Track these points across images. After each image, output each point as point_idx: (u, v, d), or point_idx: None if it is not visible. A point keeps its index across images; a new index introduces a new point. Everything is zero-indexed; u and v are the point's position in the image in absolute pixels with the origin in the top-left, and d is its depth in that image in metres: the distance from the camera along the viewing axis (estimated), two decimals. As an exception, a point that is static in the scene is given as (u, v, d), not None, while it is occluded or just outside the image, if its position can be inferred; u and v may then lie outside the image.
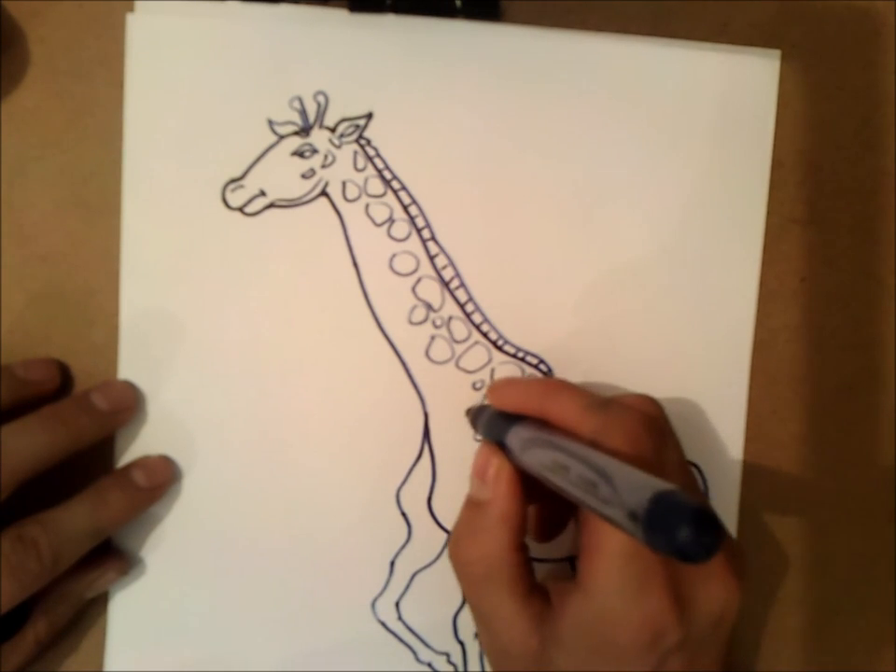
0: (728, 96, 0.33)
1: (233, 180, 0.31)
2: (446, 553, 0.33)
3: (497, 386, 0.31)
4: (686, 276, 0.33)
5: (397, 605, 0.33)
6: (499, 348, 0.33)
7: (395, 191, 0.32)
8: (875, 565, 0.36)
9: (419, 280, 0.32)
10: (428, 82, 0.32)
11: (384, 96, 0.31)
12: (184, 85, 0.31)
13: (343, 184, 0.32)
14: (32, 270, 0.31)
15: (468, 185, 0.32)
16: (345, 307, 0.32)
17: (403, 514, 0.33)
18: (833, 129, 0.34)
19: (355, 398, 0.32)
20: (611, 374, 0.33)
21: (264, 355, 0.32)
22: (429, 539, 0.33)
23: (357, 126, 0.32)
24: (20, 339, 0.32)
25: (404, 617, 0.33)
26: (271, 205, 0.32)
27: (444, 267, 0.32)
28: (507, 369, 0.33)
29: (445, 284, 0.32)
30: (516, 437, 0.27)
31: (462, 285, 0.32)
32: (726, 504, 0.34)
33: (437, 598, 0.34)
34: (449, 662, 0.34)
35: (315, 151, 0.32)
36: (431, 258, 0.32)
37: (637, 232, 0.33)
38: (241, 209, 0.31)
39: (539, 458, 0.25)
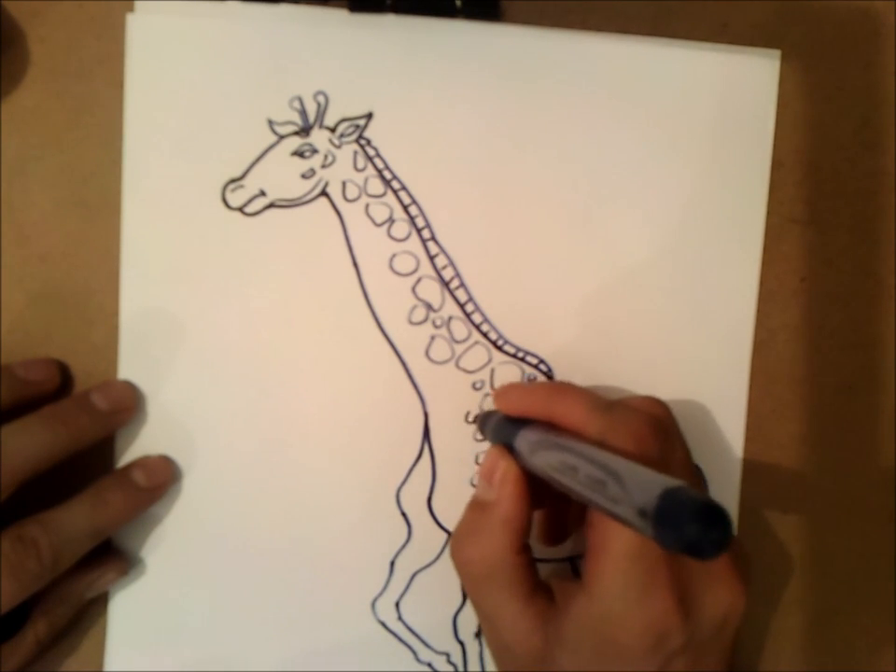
0: (728, 96, 0.33)
1: (233, 180, 0.31)
2: (446, 552, 0.33)
3: (503, 392, 0.31)
4: (686, 276, 0.33)
5: (397, 605, 0.33)
6: (499, 348, 0.33)
7: (395, 191, 0.32)
8: (875, 565, 0.36)
9: (419, 280, 0.32)
10: (428, 82, 0.32)
11: (384, 96, 0.31)
12: (184, 85, 0.31)
13: (343, 184, 0.32)
14: (32, 270, 0.31)
15: (468, 185, 0.32)
16: (345, 307, 0.32)
17: (403, 514, 0.33)
18: (833, 129, 0.34)
19: (355, 398, 0.32)
20: (611, 374, 0.33)
21: (264, 355, 0.32)
22: (429, 539, 0.33)
23: (357, 126, 0.32)
24: (20, 339, 0.32)
25: (404, 617, 0.33)
26: (271, 205, 0.32)
27: (444, 267, 0.32)
28: (507, 369, 0.33)
29: (445, 284, 0.32)
30: (524, 440, 0.28)
31: (462, 285, 0.32)
32: (726, 504, 0.34)
33: (437, 598, 0.34)
34: (449, 662, 0.34)
35: (315, 151, 0.32)
36: (431, 258, 0.32)
37: (637, 232, 0.33)
38: (241, 209, 0.31)
39: (548, 460, 0.26)
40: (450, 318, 0.32)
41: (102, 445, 0.31)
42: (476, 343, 0.33)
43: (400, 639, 0.33)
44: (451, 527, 0.33)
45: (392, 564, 0.33)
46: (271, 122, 0.31)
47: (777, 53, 0.33)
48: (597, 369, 0.33)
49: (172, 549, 0.32)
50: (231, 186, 0.31)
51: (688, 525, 0.19)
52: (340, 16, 0.31)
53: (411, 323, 0.32)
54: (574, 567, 0.34)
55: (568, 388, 0.29)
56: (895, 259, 0.35)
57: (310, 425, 0.32)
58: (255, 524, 0.32)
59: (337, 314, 0.32)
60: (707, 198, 0.33)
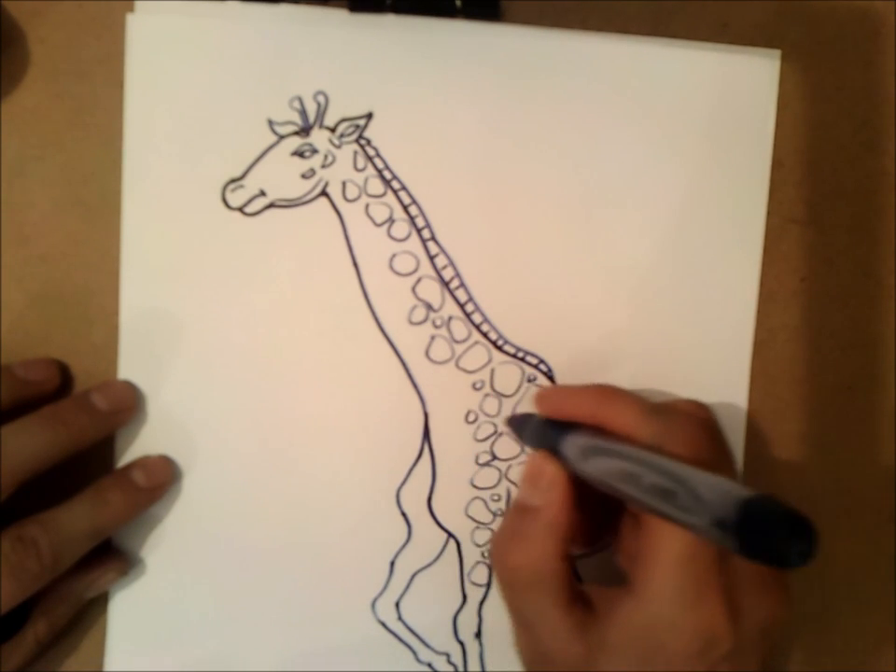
0: (728, 96, 0.33)
1: (233, 180, 0.31)
2: (446, 552, 0.33)
3: (545, 394, 0.31)
4: (686, 276, 0.33)
5: (397, 605, 0.33)
6: (499, 348, 0.33)
7: (395, 191, 0.32)
8: (875, 565, 0.36)
9: (419, 280, 0.32)
10: (428, 82, 0.32)
11: (384, 96, 0.31)
12: (184, 85, 0.31)
13: (343, 184, 0.32)
14: (32, 270, 0.31)
15: (468, 185, 0.32)
16: (345, 307, 0.32)
17: (403, 514, 0.33)
18: (833, 129, 0.34)
19: (355, 397, 0.32)
20: (611, 374, 0.33)
21: (264, 355, 0.32)
22: (429, 539, 0.33)
23: (357, 126, 0.32)
24: (20, 339, 0.32)
25: (404, 617, 0.33)
26: (271, 205, 0.32)
27: (444, 267, 0.32)
28: (507, 369, 0.33)
29: (445, 284, 0.32)
30: (573, 445, 0.27)
31: (462, 285, 0.32)
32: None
33: (437, 598, 0.34)
34: (449, 662, 0.34)
35: (315, 151, 0.32)
36: (431, 258, 0.32)
37: (638, 232, 0.33)
38: (241, 209, 0.31)
39: (605, 467, 0.25)
40: (450, 318, 0.32)
41: (102, 445, 0.31)
42: (476, 343, 0.33)
43: (400, 639, 0.33)
44: (451, 527, 0.33)
45: (392, 564, 0.33)
46: (271, 122, 0.31)
47: (777, 53, 0.33)
48: (597, 369, 0.33)
49: (172, 549, 0.32)
50: (231, 186, 0.31)
51: (775, 535, 0.19)
52: (340, 16, 0.31)
53: (411, 323, 0.32)
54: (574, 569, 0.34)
55: (617, 391, 0.29)
56: (895, 259, 0.35)
57: (310, 425, 0.32)
58: (255, 524, 0.32)
59: (337, 314, 0.32)
60: (707, 198, 0.33)
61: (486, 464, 0.33)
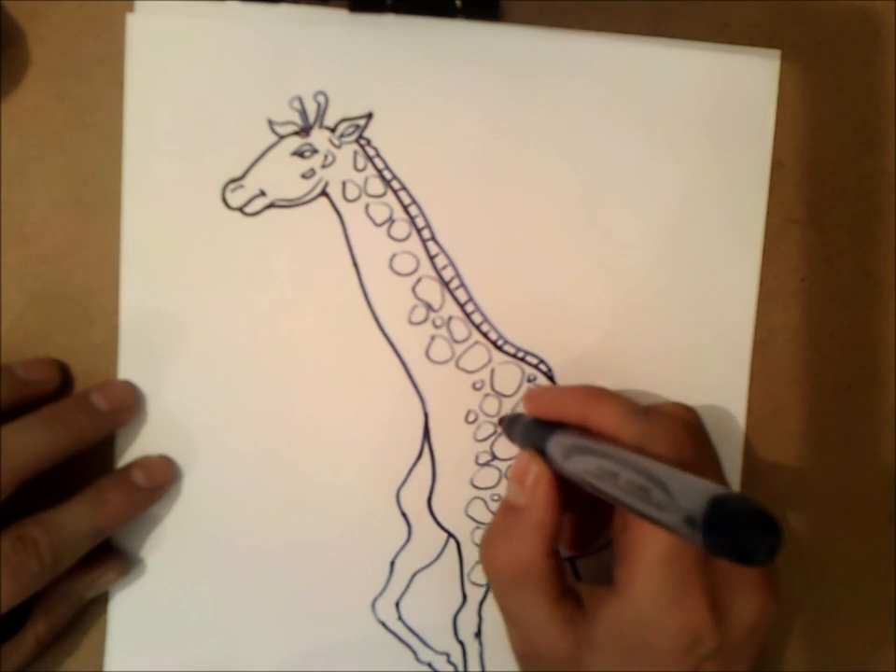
0: (728, 96, 0.33)
1: (233, 180, 0.31)
2: (446, 552, 0.33)
3: (533, 395, 0.31)
4: (686, 276, 0.33)
5: (397, 605, 0.33)
6: (499, 348, 0.33)
7: (395, 191, 0.32)
8: (875, 565, 0.36)
9: (419, 280, 0.32)
10: (428, 82, 0.32)
11: (384, 96, 0.31)
12: (184, 85, 0.31)
13: (343, 184, 0.32)
14: (32, 270, 0.31)
15: (468, 185, 0.32)
16: (345, 307, 0.32)
17: (403, 514, 0.33)
18: (833, 129, 0.34)
19: (355, 398, 0.32)
20: (611, 374, 0.33)
21: (264, 355, 0.32)
22: (429, 539, 0.33)
23: (357, 126, 0.32)
24: (20, 339, 0.32)
25: (404, 617, 0.33)
26: (271, 205, 0.32)
27: (444, 267, 0.32)
28: (507, 369, 0.33)
29: (445, 284, 0.32)
30: (557, 444, 0.27)
31: (462, 285, 0.32)
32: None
33: (437, 598, 0.34)
34: (449, 662, 0.34)
35: (315, 151, 0.32)
36: (431, 258, 0.32)
37: (638, 232, 0.33)
38: (241, 209, 0.31)
39: (584, 465, 0.25)
40: (450, 318, 0.32)
41: (102, 445, 0.31)
42: (476, 342, 0.33)
43: (400, 639, 0.33)
44: (451, 527, 0.33)
45: (392, 564, 0.33)
46: (271, 122, 0.31)
47: (776, 53, 0.33)
48: (597, 369, 0.33)
49: (172, 549, 0.32)
50: (231, 186, 0.31)
51: (740, 532, 0.19)
52: (340, 16, 0.31)
53: (411, 323, 0.32)
54: (574, 568, 0.34)
55: (603, 393, 0.29)
56: (895, 259, 0.35)
57: (310, 424, 0.32)
58: (255, 524, 0.32)
59: (337, 314, 0.32)
60: (707, 198, 0.33)
61: (486, 464, 0.33)
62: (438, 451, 0.33)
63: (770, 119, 0.33)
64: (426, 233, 0.32)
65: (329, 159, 0.32)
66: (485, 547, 0.29)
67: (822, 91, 0.34)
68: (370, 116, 0.32)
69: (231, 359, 0.32)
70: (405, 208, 0.32)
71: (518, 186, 0.32)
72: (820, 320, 0.34)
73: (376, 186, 0.32)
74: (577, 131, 0.32)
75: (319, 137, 0.31)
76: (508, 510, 0.29)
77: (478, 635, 0.34)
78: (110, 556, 0.31)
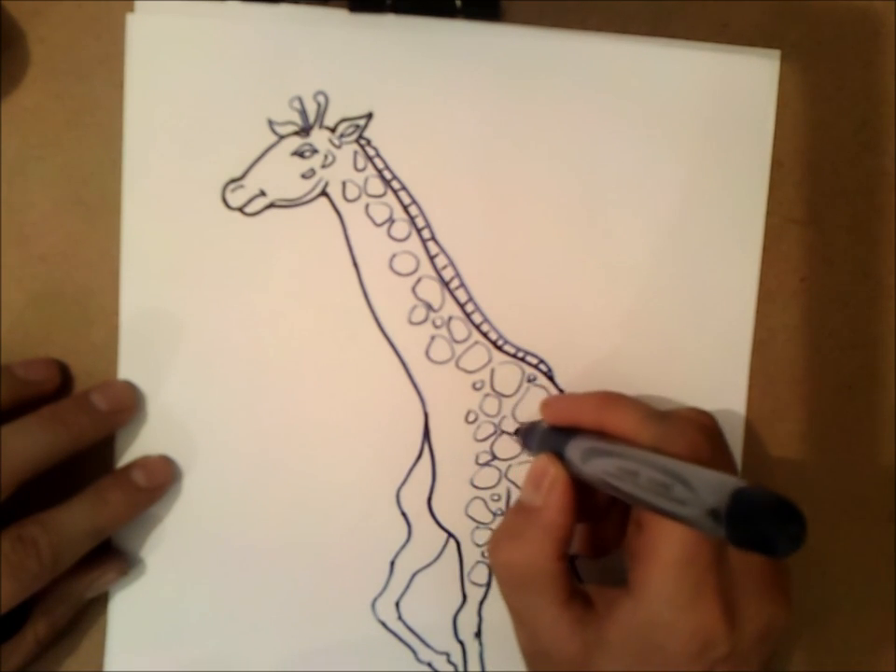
0: (728, 96, 0.33)
1: (233, 180, 0.31)
2: (446, 552, 0.33)
3: (550, 402, 0.32)
4: (686, 276, 0.33)
5: (397, 605, 0.33)
6: (499, 348, 0.33)
7: (395, 191, 0.32)
8: (875, 565, 0.36)
9: (419, 280, 0.32)
10: (428, 82, 0.32)
11: (384, 96, 0.31)
12: (184, 85, 0.31)
13: (343, 184, 0.32)
14: (32, 270, 0.32)
15: (468, 185, 0.32)
16: (345, 307, 0.32)
17: (403, 514, 0.33)
18: (833, 129, 0.34)
19: (355, 398, 0.32)
20: (611, 374, 0.33)
21: (264, 355, 0.32)
22: (429, 539, 0.33)
23: (357, 126, 0.32)
24: (20, 339, 0.32)
25: (404, 617, 0.33)
26: (271, 205, 0.32)
27: (444, 267, 0.32)
28: (507, 369, 0.33)
29: (445, 284, 0.32)
30: (576, 448, 0.27)
31: (462, 285, 0.32)
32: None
33: (437, 598, 0.34)
34: (449, 662, 0.34)
35: (315, 151, 0.32)
36: (431, 258, 0.32)
37: (637, 232, 0.33)
38: (241, 209, 0.31)
39: (604, 466, 0.25)
40: (450, 318, 0.32)
41: (102, 445, 0.31)
42: (476, 342, 0.33)
43: (400, 639, 0.33)
44: (451, 527, 0.33)
45: (392, 564, 0.33)
46: (271, 122, 0.31)
47: (776, 53, 0.33)
48: (597, 368, 0.33)
49: (172, 549, 0.32)
50: (231, 186, 0.31)
51: (764, 523, 0.19)
52: (340, 16, 0.31)
53: (411, 323, 0.32)
54: (574, 569, 0.34)
55: (620, 398, 0.29)
56: (895, 259, 0.35)
57: (310, 425, 0.32)
58: (255, 524, 0.32)
59: (337, 314, 0.32)
60: (706, 198, 0.33)
61: (486, 464, 0.33)
62: (438, 451, 0.33)
63: (770, 119, 0.33)
64: (426, 233, 0.32)
65: (329, 159, 0.32)
66: (494, 546, 0.29)
67: (822, 91, 0.34)
68: (370, 116, 0.32)
69: (230, 359, 0.32)
70: (405, 208, 0.32)
71: (518, 185, 0.32)
72: (820, 320, 0.34)
73: (376, 186, 0.32)
74: (577, 131, 0.32)
75: (319, 137, 0.31)
76: (520, 510, 0.28)
77: (478, 635, 0.34)
78: (110, 556, 0.31)
